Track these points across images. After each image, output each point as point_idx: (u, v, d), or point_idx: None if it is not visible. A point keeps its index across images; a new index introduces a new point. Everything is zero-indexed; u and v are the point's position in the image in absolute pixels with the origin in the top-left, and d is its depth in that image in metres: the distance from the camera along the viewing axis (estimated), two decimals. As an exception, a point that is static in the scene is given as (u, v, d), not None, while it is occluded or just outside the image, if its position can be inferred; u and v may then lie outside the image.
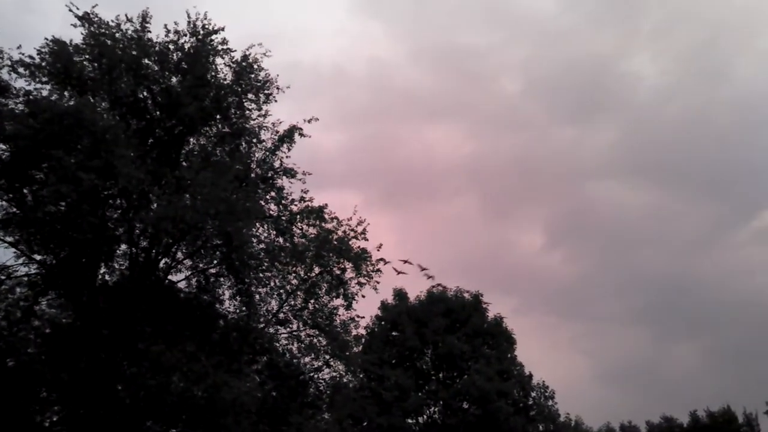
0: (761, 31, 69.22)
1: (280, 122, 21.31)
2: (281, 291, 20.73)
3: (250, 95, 20.90)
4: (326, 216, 21.04)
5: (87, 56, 18.65)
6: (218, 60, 20.32)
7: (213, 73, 20.25)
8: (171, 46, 19.81)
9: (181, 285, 20.39)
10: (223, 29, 20.20)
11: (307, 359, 21.09)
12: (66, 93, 18.01)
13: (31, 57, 17.81)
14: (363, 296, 21.37)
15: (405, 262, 20.67)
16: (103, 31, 18.96)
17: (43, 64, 17.90)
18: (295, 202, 21.07)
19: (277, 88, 21.06)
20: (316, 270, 20.88)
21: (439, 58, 73.04)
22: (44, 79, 17.98)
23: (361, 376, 24.56)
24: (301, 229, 20.97)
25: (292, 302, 20.95)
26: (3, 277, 17.64)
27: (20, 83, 17.74)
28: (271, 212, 20.91)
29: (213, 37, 20.11)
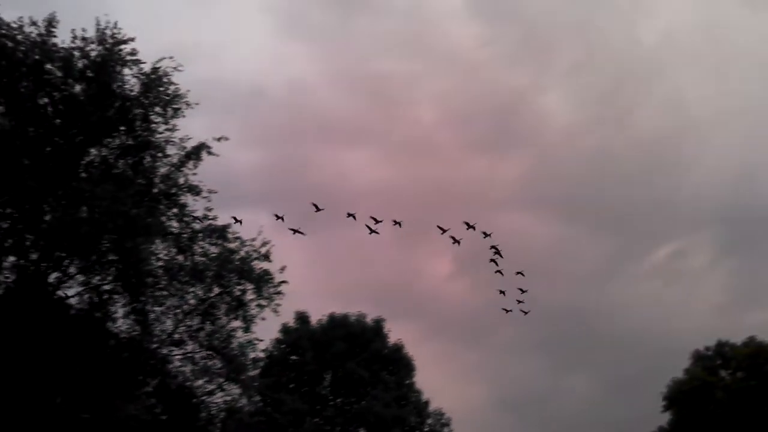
0: (662, 80, 74.51)
1: (188, 138, 21.22)
2: (178, 311, 20.73)
3: (157, 108, 20.72)
4: (229, 235, 21.20)
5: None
6: (126, 70, 20.23)
7: (120, 84, 20.13)
8: (77, 53, 19.56)
9: (73, 300, 19.99)
10: (133, 39, 20.16)
11: (200, 382, 21.08)
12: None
13: None
14: (263, 318, 21.67)
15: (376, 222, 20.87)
16: (3, 32, 18.56)
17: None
18: (198, 220, 21.07)
19: (187, 104, 21.03)
20: (216, 290, 21.00)
21: (359, 83, 74.32)
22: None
23: (256, 400, 24.72)
24: (203, 248, 21.05)
25: (189, 323, 20.96)
26: None
27: None
28: (172, 229, 20.80)
29: (122, 46, 20.02)
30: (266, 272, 21.37)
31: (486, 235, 21.04)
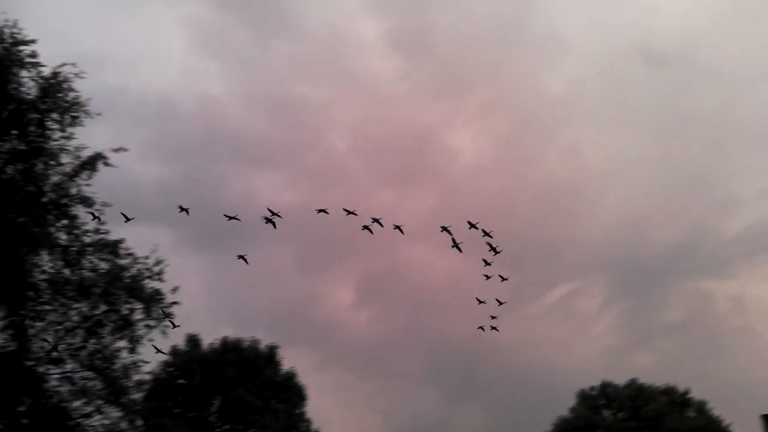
0: (565, 129, 78.49)
1: (85, 147, 20.70)
2: (60, 327, 19.97)
3: (54, 114, 20.19)
4: (121, 251, 20.74)
5: None
6: (24, 73, 19.65)
7: (16, 86, 19.51)
8: (-31, 51, 18.87)
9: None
10: (34, 41, 19.66)
11: (77, 403, 20.29)
12: None
13: None
14: (151, 340, 21.20)
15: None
16: None
17: None
18: (89, 233, 20.49)
19: (86, 112, 20.57)
20: (102, 308, 20.42)
21: (273, 105, 74.24)
22: None
23: (139, 424, 23.99)
24: (92, 263, 20.48)
25: (71, 340, 20.21)
26: None
27: None
28: (60, 241, 20.15)
29: (22, 47, 19.47)
30: (157, 291, 20.99)
31: (485, 234, 21.58)
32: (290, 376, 35.50)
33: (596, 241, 72.26)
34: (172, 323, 21.21)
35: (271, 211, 19.71)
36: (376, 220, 20.77)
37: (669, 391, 42.61)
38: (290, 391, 35.12)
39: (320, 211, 20.42)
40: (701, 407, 42.27)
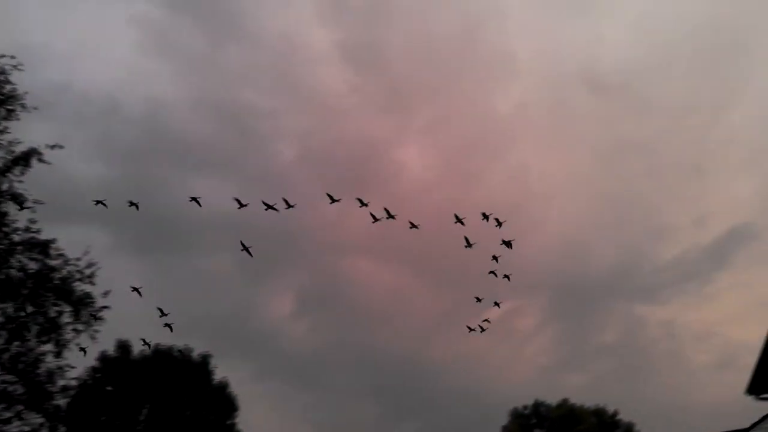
0: (511, 150, 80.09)
1: (18, 142, 20.17)
2: (-20, 328, 19.29)
3: (-13, 107, 19.65)
4: (52, 251, 20.20)
5: None
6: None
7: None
8: None
9: None
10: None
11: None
12: None
13: None
14: (79, 344, 20.65)
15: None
16: None
17: None
18: (19, 232, 19.92)
19: (23, 106, 20.08)
20: (29, 309, 19.82)
21: (221, 111, 73.29)
22: None
23: (62, 431, 23.25)
24: (20, 262, 19.88)
25: (-8, 342, 19.52)
26: None
27: None
28: (-14, 238, 19.51)
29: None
30: (88, 295, 20.46)
31: (498, 224, 21.68)
32: (222, 386, 35.03)
33: (536, 261, 73.66)
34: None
35: (193, 198, 19.77)
36: (361, 202, 20.64)
37: (599, 412, 43.78)
38: (222, 402, 34.65)
39: (241, 205, 20.44)
40: (629, 429, 43.53)
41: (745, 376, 17.91)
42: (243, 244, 20.44)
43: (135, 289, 20.46)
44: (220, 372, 35.31)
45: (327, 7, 78.57)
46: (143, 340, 23.04)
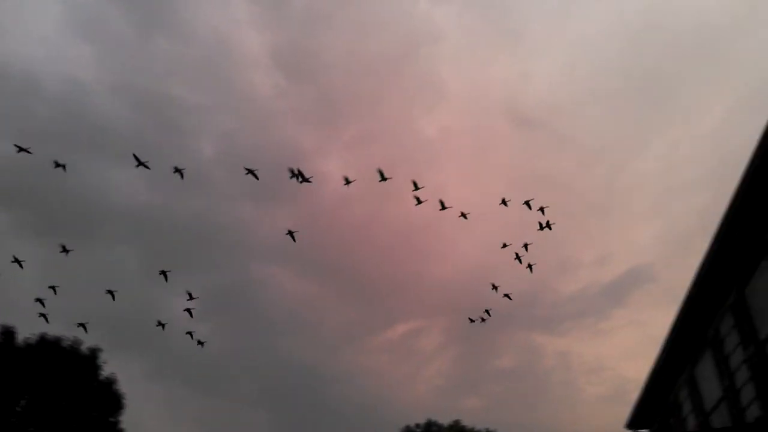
0: (432, 172, 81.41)
1: None
2: None
3: None
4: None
5: None
6: None
7: None
8: None
9: None
10: None
11: None
12: None
13: None
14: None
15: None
16: None
17: None
18: None
19: None
20: None
21: (143, 101, 71.02)
22: None
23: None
24: None
25: None
26: None
27: None
28: None
29: None
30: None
31: (541, 209, 21.30)
32: (109, 383, 33.68)
33: (444, 283, 74.92)
34: None
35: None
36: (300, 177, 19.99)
37: (489, 435, 44.76)
38: (107, 398, 33.30)
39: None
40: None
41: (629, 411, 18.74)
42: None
43: (16, 260, 19.40)
44: (109, 368, 33.96)
45: (264, 11, 77.94)
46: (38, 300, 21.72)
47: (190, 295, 20.11)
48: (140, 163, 19.04)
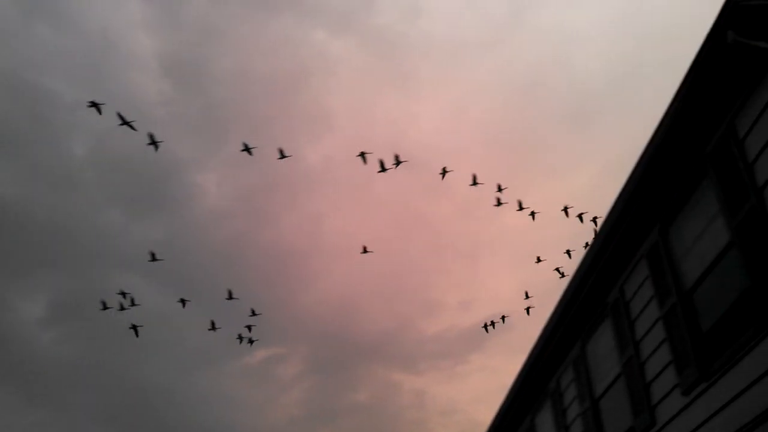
0: (310, 198, 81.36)
1: None
2: None
3: None
4: None
5: None
6: None
7: None
8: None
9: None
10: None
11: None
12: None
13: None
14: None
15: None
16: None
17: None
18: None
19: None
20: None
21: (16, 90, 66.47)
22: None
23: None
24: None
25: None
26: None
27: None
28: None
29: None
30: None
31: (579, 216, 20.49)
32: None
33: (309, 311, 74.36)
34: None
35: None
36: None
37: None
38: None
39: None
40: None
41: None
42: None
43: None
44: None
45: (158, 16, 75.59)
46: None
47: None
48: None
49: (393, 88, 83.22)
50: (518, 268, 76.86)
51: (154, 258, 20.31)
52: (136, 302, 25.81)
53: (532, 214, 23.02)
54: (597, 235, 10.69)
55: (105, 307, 24.52)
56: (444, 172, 23.27)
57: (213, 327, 25.28)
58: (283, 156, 20.85)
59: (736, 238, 7.71)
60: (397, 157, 22.72)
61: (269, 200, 79.66)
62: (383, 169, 22.63)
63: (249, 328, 26.26)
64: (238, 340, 25.35)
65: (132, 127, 19.59)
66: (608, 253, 10.66)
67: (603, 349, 11.49)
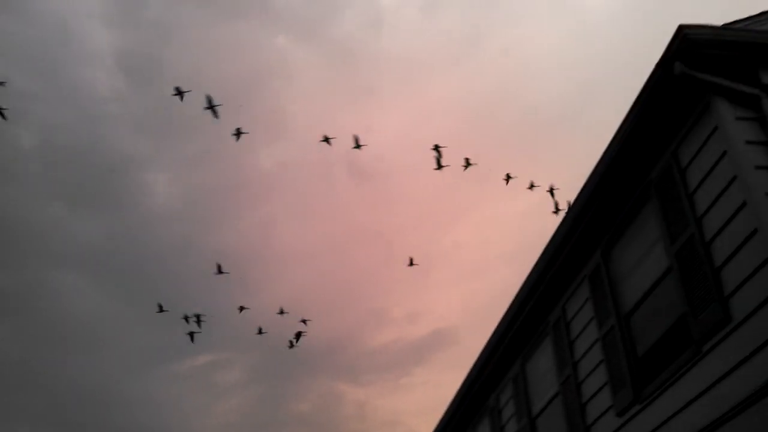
0: (265, 201, 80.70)
1: None
2: None
3: None
4: None
5: None
6: None
7: None
8: None
9: None
10: None
11: None
12: None
13: None
14: None
15: None
16: None
17: None
18: None
19: None
20: None
21: (-38, 73, 64.27)
22: None
23: None
24: None
25: None
26: None
27: None
28: None
29: None
30: None
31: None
32: None
33: (255, 318, 73.39)
34: None
35: None
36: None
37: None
38: None
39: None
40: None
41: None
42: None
43: None
44: None
45: (117, 11, 74.08)
46: None
47: None
48: None
49: (351, 98, 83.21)
50: (467, 282, 77.50)
51: (220, 271, 19.58)
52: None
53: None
54: (542, 253, 10.80)
55: None
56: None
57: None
58: (358, 146, 20.39)
59: (674, 264, 7.88)
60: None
61: (220, 203, 78.62)
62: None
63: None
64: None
65: (215, 114, 18.75)
66: (552, 272, 10.77)
67: (542, 368, 11.61)
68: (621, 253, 9.41)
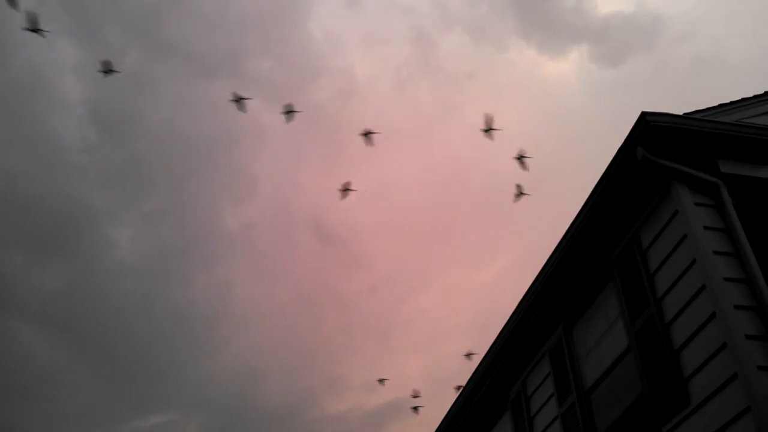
0: (224, 260, 79.81)
1: None
2: None
3: None
4: None
5: None
6: None
7: None
8: None
9: None
10: None
11: None
12: None
13: None
14: None
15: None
16: None
17: None
18: None
19: None
20: None
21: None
22: None
23: None
24: None
25: None
26: None
27: None
28: None
29: None
30: None
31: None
32: None
33: (209, 379, 71.48)
34: None
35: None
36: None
37: None
38: None
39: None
40: None
41: None
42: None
43: None
44: None
45: (91, 61, 74.07)
46: None
47: None
48: None
49: (319, 163, 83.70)
50: (426, 351, 76.81)
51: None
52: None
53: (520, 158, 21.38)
54: (504, 327, 10.80)
55: None
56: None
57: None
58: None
59: (634, 344, 7.94)
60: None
61: (182, 261, 77.31)
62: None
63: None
64: None
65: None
66: (514, 346, 10.77)
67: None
68: (582, 330, 9.47)
